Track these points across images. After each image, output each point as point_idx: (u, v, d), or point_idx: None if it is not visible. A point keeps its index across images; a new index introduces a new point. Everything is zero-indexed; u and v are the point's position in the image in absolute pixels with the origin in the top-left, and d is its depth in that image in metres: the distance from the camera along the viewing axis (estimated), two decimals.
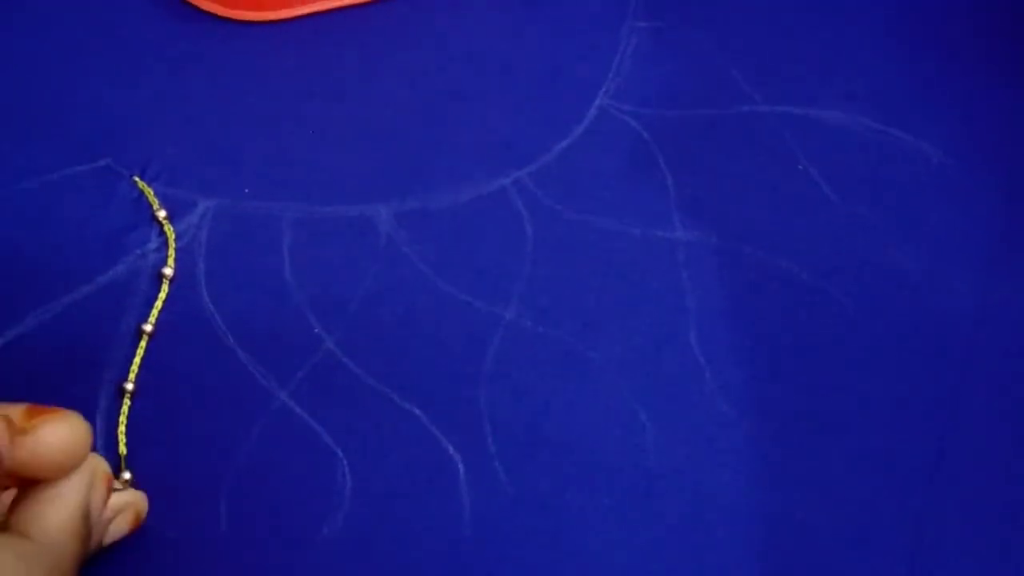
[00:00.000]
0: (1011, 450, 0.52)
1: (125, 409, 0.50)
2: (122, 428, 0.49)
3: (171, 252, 0.53)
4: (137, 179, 0.54)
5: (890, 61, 0.59)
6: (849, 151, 0.57)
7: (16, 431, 0.39)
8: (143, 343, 0.51)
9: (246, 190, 0.55)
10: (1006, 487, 0.51)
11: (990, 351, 0.54)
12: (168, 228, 0.53)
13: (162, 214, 0.54)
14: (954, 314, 0.54)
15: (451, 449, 0.50)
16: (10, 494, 0.41)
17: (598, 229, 0.55)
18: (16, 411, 0.39)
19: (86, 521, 0.41)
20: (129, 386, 0.50)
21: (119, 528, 0.46)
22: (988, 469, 0.51)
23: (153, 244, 0.53)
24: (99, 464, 0.42)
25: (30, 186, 0.54)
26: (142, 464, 0.49)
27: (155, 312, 0.52)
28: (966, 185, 0.57)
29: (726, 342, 0.53)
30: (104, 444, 0.50)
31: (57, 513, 0.40)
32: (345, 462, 0.50)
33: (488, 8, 0.59)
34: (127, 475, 0.49)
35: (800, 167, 0.56)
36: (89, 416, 0.50)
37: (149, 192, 0.54)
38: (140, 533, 0.47)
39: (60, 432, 0.39)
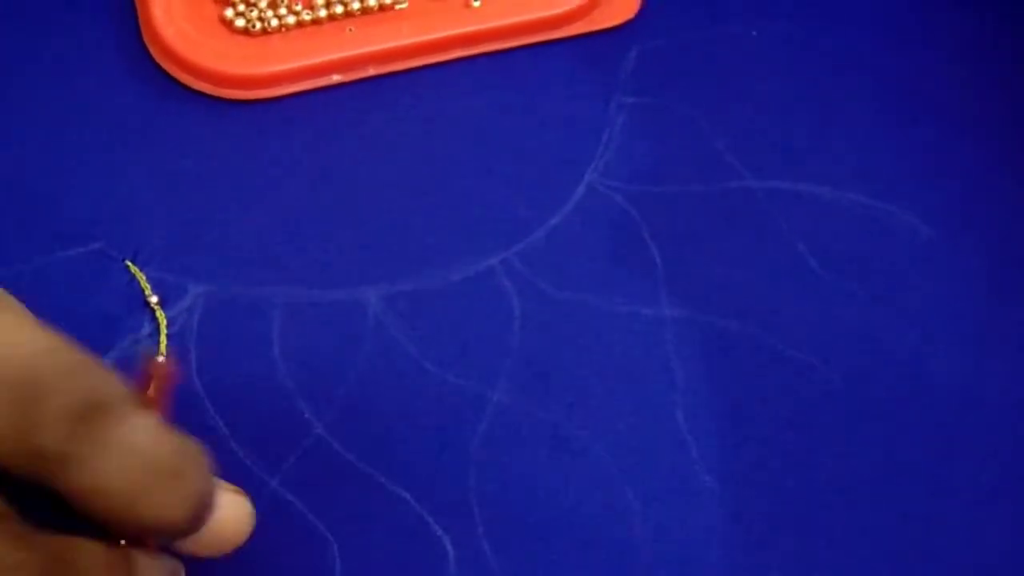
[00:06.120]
0: (1001, 526, 0.52)
1: None
2: None
3: (163, 339, 0.53)
4: (130, 263, 0.55)
5: (879, 135, 0.59)
6: (838, 226, 0.57)
7: None
8: None
9: None
10: (996, 564, 0.51)
11: (979, 426, 0.54)
12: (160, 314, 0.54)
13: (154, 299, 0.54)
14: (943, 389, 0.54)
15: (439, 531, 0.51)
16: None
17: (585, 307, 0.55)
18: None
19: None
20: None
21: None
22: (978, 547, 0.52)
23: (146, 330, 0.54)
24: None
25: (23, 270, 0.54)
26: None
27: None
28: (955, 260, 0.56)
29: (713, 419, 0.53)
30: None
31: None
32: (335, 546, 0.51)
33: (475, 87, 0.59)
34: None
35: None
36: None
37: (141, 277, 0.55)
38: None
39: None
